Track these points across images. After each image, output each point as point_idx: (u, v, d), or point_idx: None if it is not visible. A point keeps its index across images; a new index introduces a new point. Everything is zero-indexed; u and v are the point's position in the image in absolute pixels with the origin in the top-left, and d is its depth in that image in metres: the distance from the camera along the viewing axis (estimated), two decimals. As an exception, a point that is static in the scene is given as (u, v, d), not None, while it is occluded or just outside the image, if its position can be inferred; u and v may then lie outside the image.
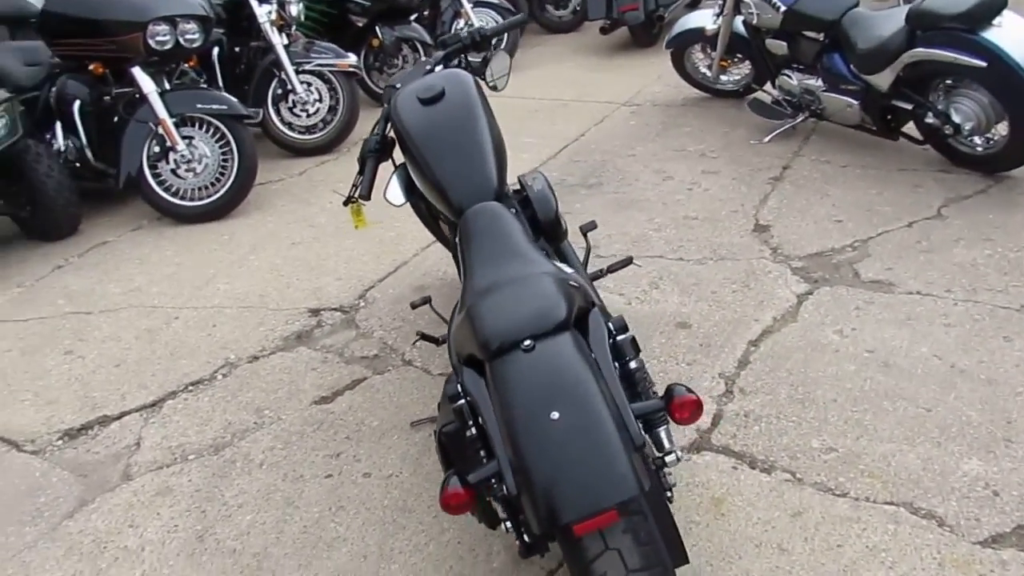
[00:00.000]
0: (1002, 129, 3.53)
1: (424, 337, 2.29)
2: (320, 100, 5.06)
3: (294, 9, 5.06)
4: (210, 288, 3.58)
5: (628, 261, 2.57)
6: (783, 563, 1.89)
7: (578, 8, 7.67)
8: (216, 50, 5.01)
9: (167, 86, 4.31)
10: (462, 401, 1.56)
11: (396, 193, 2.34)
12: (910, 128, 3.93)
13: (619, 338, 1.64)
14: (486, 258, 1.81)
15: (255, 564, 2.10)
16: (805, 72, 4.26)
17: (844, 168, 4.01)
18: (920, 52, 3.54)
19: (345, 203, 2.36)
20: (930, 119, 3.67)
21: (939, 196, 3.58)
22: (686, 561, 1.59)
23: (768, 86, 4.63)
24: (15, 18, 5.13)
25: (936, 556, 1.86)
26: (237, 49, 5.20)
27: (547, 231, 2.15)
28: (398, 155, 2.37)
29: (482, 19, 6.67)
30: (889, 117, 3.96)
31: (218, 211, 4.29)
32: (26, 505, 2.42)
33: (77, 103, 4.29)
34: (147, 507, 2.36)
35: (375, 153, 2.31)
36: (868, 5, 4.06)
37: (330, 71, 5.01)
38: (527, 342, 1.47)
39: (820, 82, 4.14)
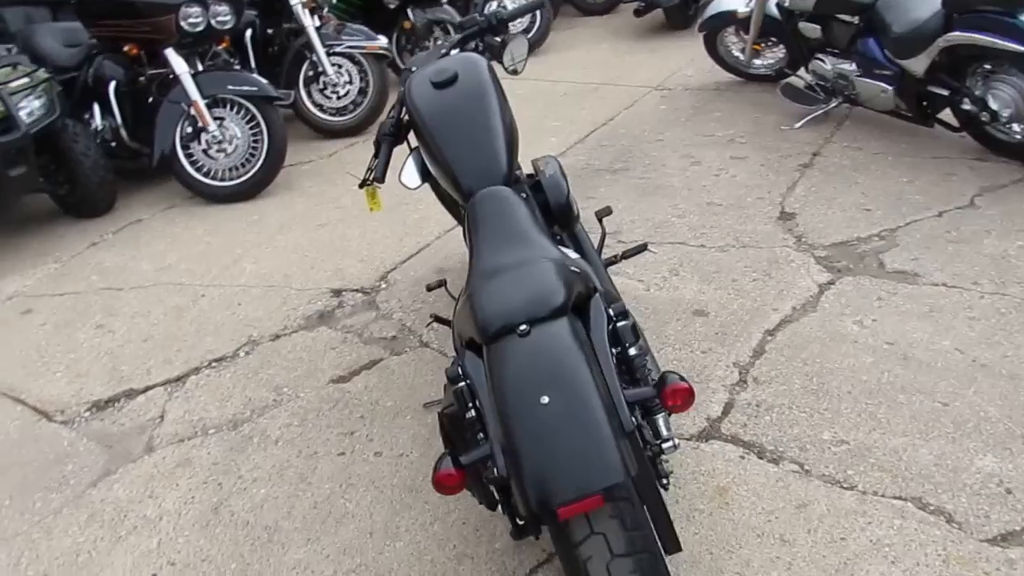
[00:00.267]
0: (1041, 117, 3.43)
1: (438, 319, 2.32)
2: (350, 82, 5.10)
3: (326, -9, 5.10)
4: (237, 267, 3.65)
5: (643, 247, 2.56)
6: (784, 554, 1.88)
7: (613, -10, 7.60)
8: (249, 32, 5.07)
9: (200, 67, 4.38)
10: (462, 384, 1.58)
11: (411, 176, 2.35)
12: (946, 115, 3.84)
13: (619, 324, 1.64)
14: (492, 242, 1.82)
15: (265, 537, 2.15)
16: (839, 56, 4.17)
17: (876, 155, 3.92)
18: (957, 36, 3.45)
19: (360, 186, 2.39)
20: (967, 105, 3.58)
21: (973, 185, 3.49)
22: (679, 549, 1.59)
23: (802, 71, 4.54)
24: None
25: (941, 552, 1.83)
26: (270, 31, 5.26)
27: (558, 216, 2.16)
28: (414, 138, 2.38)
29: (518, 1, 6.66)
30: (924, 103, 3.86)
31: (248, 191, 4.36)
32: (54, 473, 2.51)
33: (113, 84, 4.40)
34: (167, 478, 2.43)
35: (390, 136, 2.33)
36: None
37: (360, 53, 5.04)
38: (523, 327, 1.48)
39: (854, 67, 4.05)
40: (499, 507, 1.58)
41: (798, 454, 2.18)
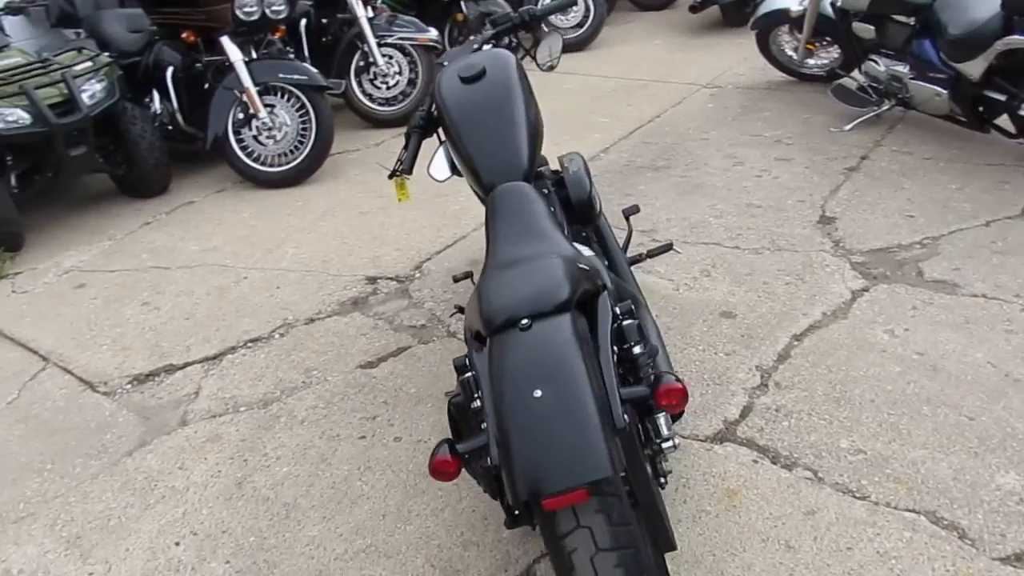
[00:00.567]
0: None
1: (461, 310, 2.36)
2: (400, 73, 5.17)
3: (380, -18, 5.18)
4: (279, 251, 3.76)
5: (668, 247, 2.56)
6: (787, 560, 1.87)
7: (671, -15, 7.53)
8: (304, 22, 5.18)
9: (254, 55, 4.50)
10: (469, 374, 1.62)
11: (439, 168, 2.40)
12: (1003, 120, 3.72)
13: (624, 323, 1.65)
14: (507, 236, 1.85)
15: (283, 513, 2.23)
16: (893, 58, 4.07)
17: (926, 160, 3.83)
18: (1016, 40, 3.34)
19: (389, 176, 2.44)
20: (1024, 111, 3.46)
21: (1025, 195, 3.38)
22: (673, 547, 1.60)
23: (856, 72, 4.44)
24: (125, -15, 5.44)
25: (950, 568, 1.80)
26: (325, 21, 5.36)
27: (579, 212, 2.17)
28: (443, 132, 2.42)
29: (571, -5, 6.64)
30: (980, 108, 3.75)
31: (295, 177, 4.47)
32: (94, 441, 2.63)
33: (170, 69, 4.54)
34: (197, 452, 2.52)
35: (419, 129, 2.37)
36: None
37: (411, 44, 5.11)
38: (524, 320, 1.50)
39: (908, 69, 3.95)
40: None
41: (813, 461, 2.15)
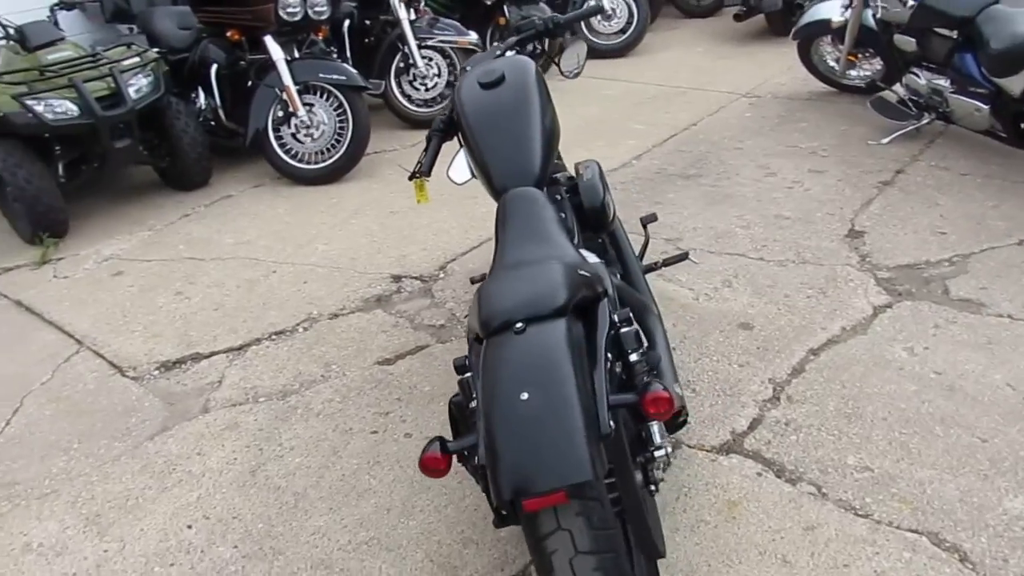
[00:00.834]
0: None
1: None
2: (439, 75, 5.24)
3: (423, -15, 5.25)
4: (310, 247, 3.84)
5: (684, 256, 2.57)
6: (783, 574, 1.86)
7: (718, -8, 7.48)
8: (347, 22, 5.27)
9: (296, 55, 4.60)
10: (468, 375, 1.65)
11: (459, 171, 2.44)
12: (1045, 139, 3.63)
13: (622, 330, 1.66)
14: (513, 240, 1.88)
15: (292, 502, 2.29)
16: (935, 71, 4.00)
17: (963, 176, 3.75)
18: (1060, 57, 3.26)
19: (409, 178, 2.48)
20: (1065, 130, 3.38)
21: (1064, 215, 3.30)
22: (660, 555, 1.61)
23: (897, 85, 4.37)
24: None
25: (948, 591, 1.78)
26: (368, 22, 5.45)
27: (592, 219, 2.19)
28: (464, 135, 2.46)
29: (614, 1, 6.65)
30: (1022, 124, 3.66)
31: (330, 175, 4.55)
32: (119, 423, 2.73)
33: (215, 66, 4.67)
34: (215, 438, 2.60)
35: (439, 132, 2.41)
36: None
37: (451, 47, 5.17)
38: (519, 324, 1.53)
39: (948, 83, 3.87)
40: (491, 495, 1.64)
41: (818, 476, 2.14)
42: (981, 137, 3.94)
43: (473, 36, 5.20)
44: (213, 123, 4.79)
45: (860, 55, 4.75)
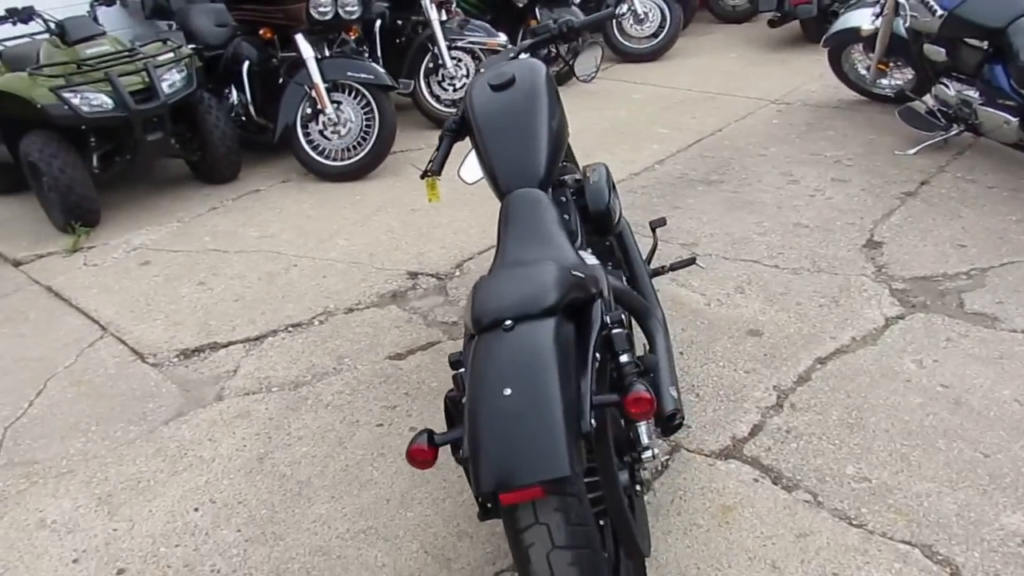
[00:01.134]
0: None
1: None
2: (468, 76, 5.28)
3: (454, -13, 5.31)
4: (331, 242, 3.91)
5: (691, 261, 2.57)
6: (770, 580, 1.87)
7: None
8: (379, 22, 5.35)
9: (327, 53, 4.68)
10: (462, 370, 1.69)
11: (469, 171, 2.48)
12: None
13: (614, 332, 1.68)
14: (513, 240, 1.91)
15: (296, 490, 2.34)
16: (965, 82, 3.94)
17: (989, 189, 3.70)
18: (1091, 70, 3.20)
19: (421, 177, 2.52)
20: (1094, 145, 3.31)
21: (1090, 231, 3.24)
22: (643, 554, 1.63)
23: (927, 95, 4.31)
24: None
25: (936, 604, 1.77)
26: (399, 22, 5.52)
27: (596, 222, 2.21)
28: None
29: (646, 5, 6.64)
30: (1051, 139, 3.60)
31: (356, 172, 4.63)
32: (137, 408, 2.81)
33: (247, 63, 4.77)
34: (227, 426, 2.67)
35: (452, 132, 2.45)
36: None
37: (480, 49, 5.21)
38: (508, 322, 1.56)
39: (978, 94, 3.82)
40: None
41: (815, 484, 2.14)
42: (1010, 150, 3.88)
43: (502, 38, 5.24)
44: (244, 119, 4.90)
45: (891, 64, 4.69)
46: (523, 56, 2.53)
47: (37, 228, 4.31)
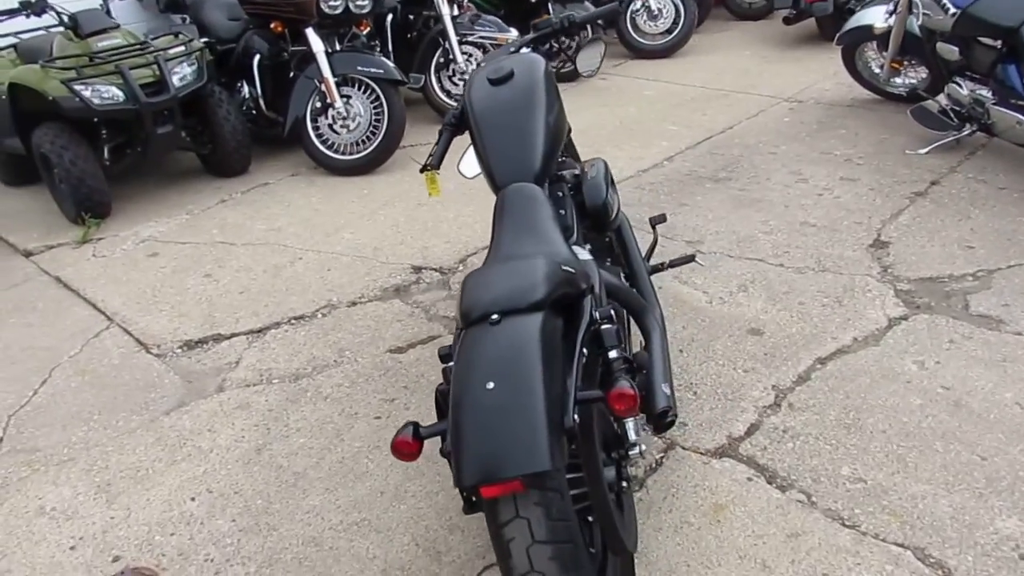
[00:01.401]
0: None
1: None
2: (478, 71, 5.27)
3: (466, -19, 5.30)
4: (337, 236, 3.92)
5: (691, 258, 2.56)
6: (759, 579, 1.86)
7: (770, -5, 7.36)
8: (390, 17, 5.36)
9: (338, 48, 4.69)
10: (451, 363, 1.69)
11: (468, 165, 2.48)
12: (1089, 154, 3.51)
13: (602, 327, 1.68)
14: (507, 235, 1.91)
15: (292, 481, 2.36)
16: (978, 81, 3.89)
17: (1000, 190, 3.65)
18: (1105, 69, 3.15)
19: (421, 171, 2.53)
20: (1108, 146, 3.26)
21: (1102, 233, 3.19)
22: (627, 551, 1.63)
23: (941, 94, 4.26)
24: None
25: (926, 607, 1.76)
26: (411, 17, 5.52)
27: (592, 217, 2.20)
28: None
29: (661, 1, 6.61)
30: (1065, 139, 3.55)
31: (365, 166, 4.64)
32: (139, 398, 2.84)
33: (257, 57, 4.80)
34: (227, 417, 2.69)
35: (451, 126, 2.45)
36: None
37: (490, 43, 5.21)
38: (495, 316, 1.56)
39: (991, 94, 3.77)
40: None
41: (809, 485, 2.12)
42: (1022, 151, 3.82)
43: (513, 33, 5.23)
44: (255, 112, 4.93)
45: (905, 63, 4.64)
46: (524, 51, 2.53)
47: (48, 219, 4.36)
